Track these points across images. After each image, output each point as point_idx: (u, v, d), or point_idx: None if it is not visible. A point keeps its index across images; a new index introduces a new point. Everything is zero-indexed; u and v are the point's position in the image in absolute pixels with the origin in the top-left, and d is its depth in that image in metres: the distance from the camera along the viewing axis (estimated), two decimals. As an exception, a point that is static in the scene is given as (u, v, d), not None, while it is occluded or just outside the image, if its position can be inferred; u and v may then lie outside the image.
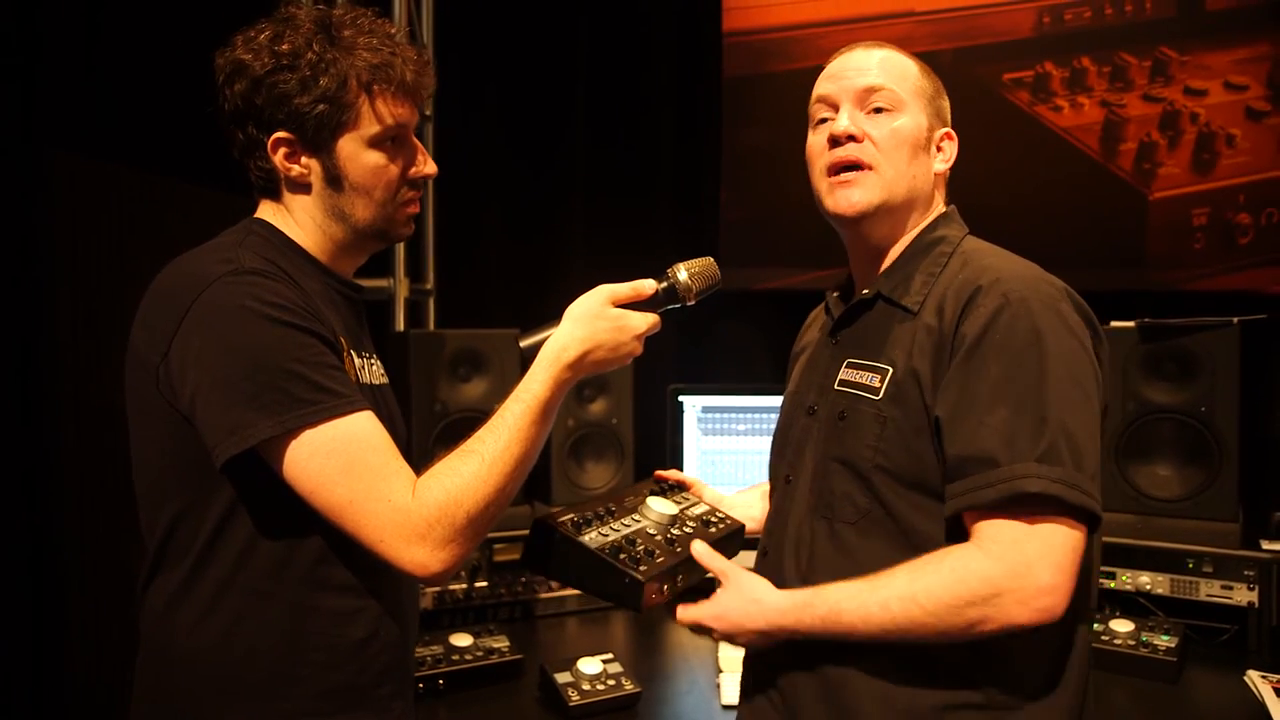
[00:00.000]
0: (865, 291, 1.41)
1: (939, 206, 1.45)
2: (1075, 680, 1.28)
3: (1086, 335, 1.26)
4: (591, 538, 1.37)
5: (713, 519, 1.56)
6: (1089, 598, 1.30)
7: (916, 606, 1.17)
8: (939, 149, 1.42)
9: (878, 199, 1.36)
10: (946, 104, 1.45)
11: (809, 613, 1.25)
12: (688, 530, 1.47)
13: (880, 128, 1.36)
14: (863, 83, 1.37)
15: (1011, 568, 1.15)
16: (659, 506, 1.51)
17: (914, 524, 1.27)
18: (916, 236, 1.40)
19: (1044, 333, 1.21)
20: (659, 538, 1.42)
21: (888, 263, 1.41)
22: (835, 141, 1.37)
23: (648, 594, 1.31)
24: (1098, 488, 1.19)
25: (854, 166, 1.36)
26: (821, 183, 1.40)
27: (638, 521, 1.47)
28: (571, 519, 1.41)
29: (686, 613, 1.37)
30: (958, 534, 1.23)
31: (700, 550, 1.39)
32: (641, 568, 1.32)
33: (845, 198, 1.36)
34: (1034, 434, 1.17)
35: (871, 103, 1.37)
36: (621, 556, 1.33)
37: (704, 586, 1.42)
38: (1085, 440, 1.19)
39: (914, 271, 1.36)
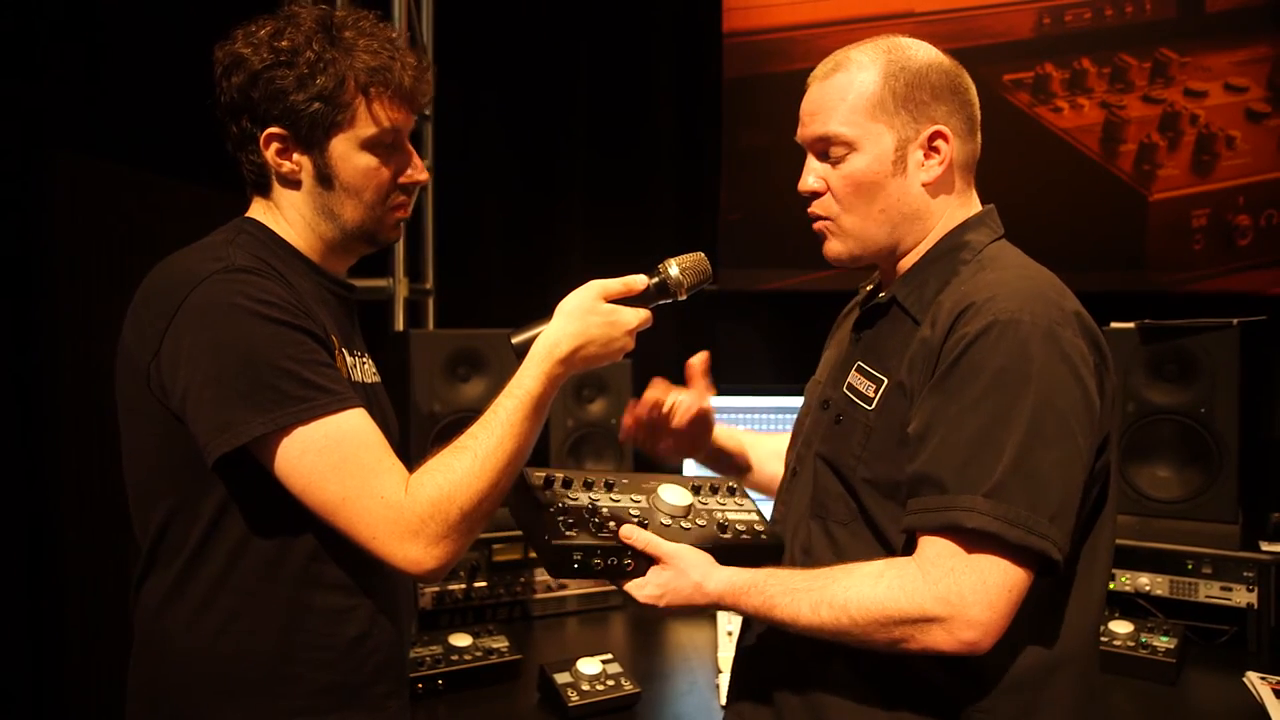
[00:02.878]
0: (882, 296, 1.40)
1: (963, 209, 1.38)
2: (1061, 708, 1.25)
3: (1088, 363, 1.20)
4: (554, 494, 1.35)
5: (737, 527, 1.42)
6: (1059, 638, 1.25)
7: (846, 616, 1.18)
8: (931, 151, 1.33)
9: (847, 251, 1.38)
10: (929, 93, 1.32)
11: (745, 600, 1.27)
12: (684, 527, 1.39)
13: (836, 175, 1.35)
14: (814, 132, 1.36)
15: (943, 596, 1.14)
16: (668, 495, 1.42)
17: (889, 533, 1.27)
18: (940, 240, 1.35)
19: (1027, 359, 1.15)
20: (636, 518, 1.36)
21: (907, 267, 1.37)
22: (805, 197, 1.39)
23: (561, 557, 1.27)
24: (1061, 528, 1.14)
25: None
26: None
27: (634, 501, 1.41)
28: (562, 476, 1.38)
29: (633, 591, 1.32)
30: (913, 548, 1.22)
31: (629, 532, 1.32)
32: (569, 533, 1.28)
33: (826, 249, 1.40)
34: (990, 466, 1.14)
35: (828, 151, 1.35)
36: (561, 518, 1.30)
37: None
38: (1049, 476, 1.14)
39: (929, 279, 1.33)
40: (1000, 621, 1.14)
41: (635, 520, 1.36)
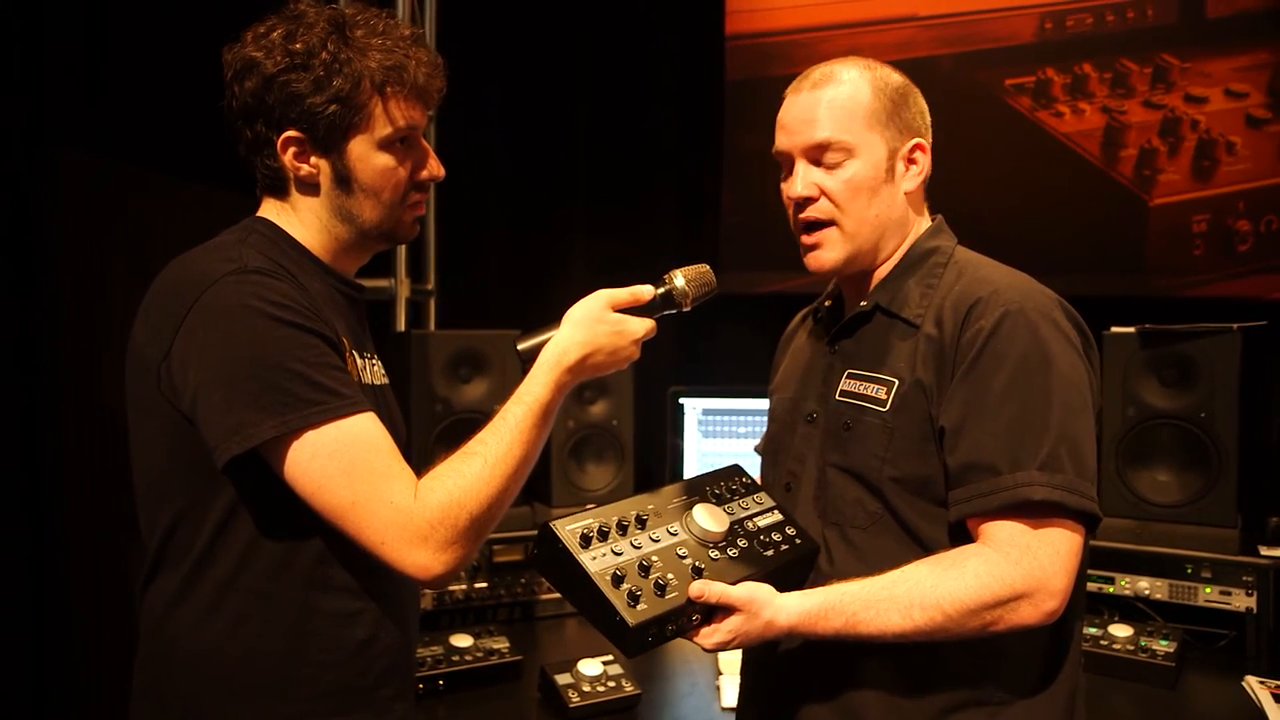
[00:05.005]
0: (863, 304, 1.42)
1: (922, 219, 1.46)
2: (1068, 675, 1.32)
3: (1078, 343, 1.30)
4: (598, 556, 1.23)
5: (774, 537, 1.37)
6: (1080, 596, 1.33)
7: (940, 613, 1.20)
8: (911, 162, 1.40)
9: (843, 254, 1.39)
10: (913, 109, 1.41)
11: (824, 624, 1.24)
12: (731, 554, 1.31)
13: (834, 180, 1.37)
14: (809, 139, 1.37)
15: (1029, 572, 1.20)
16: (704, 521, 1.33)
17: (919, 528, 1.30)
18: (909, 250, 1.42)
19: (1042, 342, 1.25)
20: (688, 562, 1.27)
21: (881, 276, 1.43)
22: (796, 204, 1.40)
23: (639, 637, 1.18)
24: (1095, 489, 1.24)
25: (818, 224, 1.39)
26: (796, 237, 1.44)
27: (673, 535, 1.31)
28: (597, 526, 1.27)
29: (703, 641, 1.26)
30: (959, 537, 1.27)
31: (700, 590, 1.22)
32: (640, 606, 1.18)
33: (815, 259, 1.41)
34: (1035, 442, 1.21)
35: (824, 157, 1.37)
36: (622, 587, 1.20)
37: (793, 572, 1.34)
38: (1085, 444, 1.24)
39: (911, 284, 1.39)
40: (1072, 585, 1.22)
41: (686, 562, 1.27)
